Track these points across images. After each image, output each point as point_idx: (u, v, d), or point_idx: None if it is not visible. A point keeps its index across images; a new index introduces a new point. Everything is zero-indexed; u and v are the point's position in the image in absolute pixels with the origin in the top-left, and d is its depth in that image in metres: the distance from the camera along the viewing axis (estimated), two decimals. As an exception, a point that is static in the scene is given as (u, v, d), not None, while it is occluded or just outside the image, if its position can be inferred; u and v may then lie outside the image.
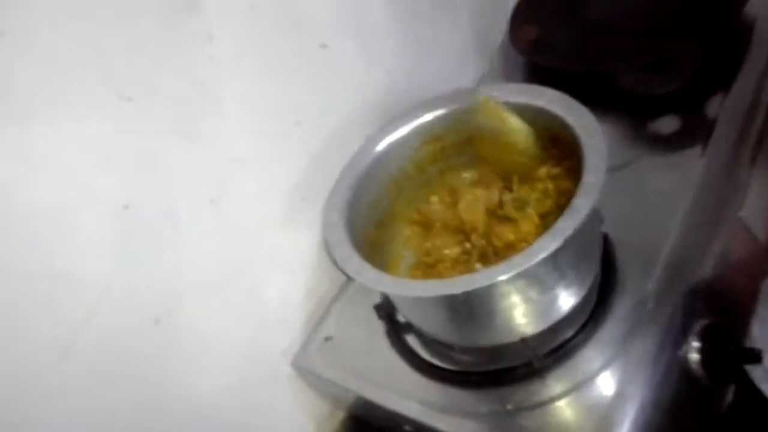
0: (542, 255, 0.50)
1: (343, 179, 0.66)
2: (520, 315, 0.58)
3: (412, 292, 0.55)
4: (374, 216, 0.68)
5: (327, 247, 0.60)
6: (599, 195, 0.53)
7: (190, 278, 0.61)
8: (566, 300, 0.60)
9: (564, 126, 0.60)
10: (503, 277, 0.51)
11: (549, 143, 0.64)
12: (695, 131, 0.74)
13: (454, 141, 0.70)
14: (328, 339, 0.72)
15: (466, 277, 0.53)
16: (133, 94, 0.52)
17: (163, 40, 0.53)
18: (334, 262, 0.59)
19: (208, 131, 0.59)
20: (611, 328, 0.62)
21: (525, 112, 0.64)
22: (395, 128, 0.68)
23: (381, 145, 0.68)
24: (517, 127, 0.64)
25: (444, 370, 0.65)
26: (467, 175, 0.71)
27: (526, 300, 0.57)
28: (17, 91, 0.45)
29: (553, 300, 0.59)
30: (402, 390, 0.65)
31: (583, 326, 0.62)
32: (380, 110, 0.73)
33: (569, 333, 0.62)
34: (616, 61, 0.79)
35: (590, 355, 0.61)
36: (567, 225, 0.51)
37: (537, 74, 0.87)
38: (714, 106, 0.75)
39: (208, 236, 0.62)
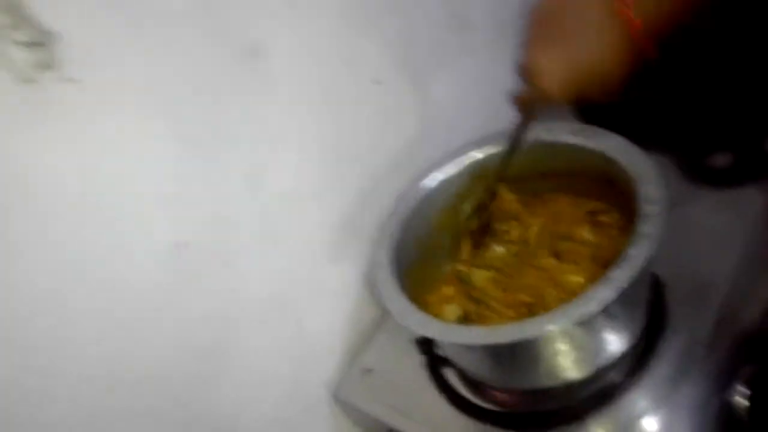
0: (595, 307, 0.50)
1: (393, 216, 0.67)
2: (567, 361, 0.58)
3: (458, 339, 0.55)
4: (420, 251, 0.68)
5: (374, 286, 0.61)
6: (655, 246, 0.52)
7: (239, 311, 0.62)
8: (614, 345, 0.59)
9: (621, 171, 0.60)
10: (552, 327, 0.51)
11: (605, 186, 0.64)
12: (753, 167, 0.72)
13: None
14: (368, 371, 0.73)
15: (514, 326, 0.53)
16: (196, 134, 0.53)
17: (229, 82, 0.54)
18: (381, 302, 0.59)
19: (265, 169, 0.60)
20: (658, 372, 0.61)
21: (581, 153, 0.64)
22: (446, 164, 0.69)
23: (431, 181, 0.68)
24: None
25: (484, 409, 0.65)
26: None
27: (574, 347, 0.57)
28: (88, 129, 0.47)
29: (601, 346, 0.58)
30: (441, 427, 0.66)
31: (630, 370, 0.62)
32: (432, 145, 0.74)
33: (614, 376, 0.61)
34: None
35: (635, 399, 0.60)
36: (622, 276, 0.51)
37: (586, 107, 0.86)
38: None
39: (257, 270, 0.63)
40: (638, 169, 0.59)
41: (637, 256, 0.52)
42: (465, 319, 0.66)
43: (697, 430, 0.58)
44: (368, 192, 0.71)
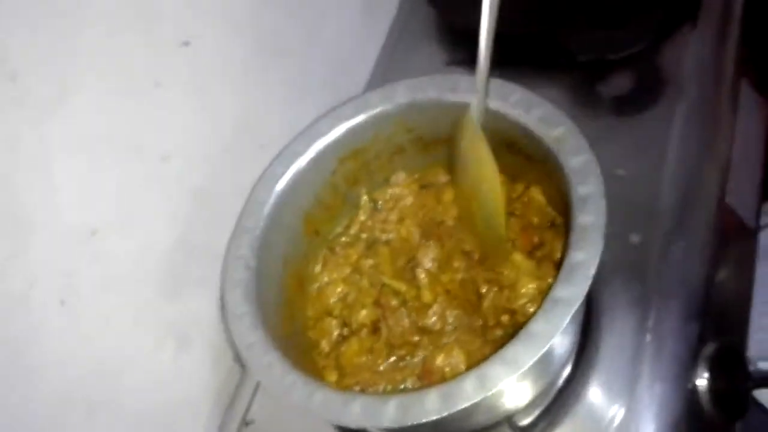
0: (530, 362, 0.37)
1: (240, 236, 0.48)
2: (506, 399, 0.44)
3: (366, 421, 0.38)
4: (292, 270, 0.51)
5: (238, 351, 0.44)
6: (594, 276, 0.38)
7: (55, 404, 0.44)
8: (557, 365, 0.47)
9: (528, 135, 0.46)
10: (492, 392, 0.37)
11: (505, 151, 0.49)
12: (658, 92, 0.61)
13: (380, 151, 0.54)
14: (247, 424, 0.56)
15: (441, 393, 0.38)
16: None
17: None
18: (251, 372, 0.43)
19: (38, 204, 0.40)
20: (603, 373, 0.50)
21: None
22: (300, 150, 0.51)
23: (284, 179, 0.50)
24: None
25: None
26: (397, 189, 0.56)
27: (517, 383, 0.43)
28: None
29: (543, 371, 0.46)
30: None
31: (570, 379, 0.49)
32: (280, 117, 0.56)
33: (554, 393, 0.49)
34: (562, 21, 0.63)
35: (585, 411, 0.49)
36: (573, 295, 0.37)
37: (455, 38, 0.71)
38: (673, 59, 0.62)
39: (61, 350, 0.44)
40: (556, 131, 0.45)
41: (585, 264, 0.38)
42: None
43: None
44: (199, 194, 0.52)
